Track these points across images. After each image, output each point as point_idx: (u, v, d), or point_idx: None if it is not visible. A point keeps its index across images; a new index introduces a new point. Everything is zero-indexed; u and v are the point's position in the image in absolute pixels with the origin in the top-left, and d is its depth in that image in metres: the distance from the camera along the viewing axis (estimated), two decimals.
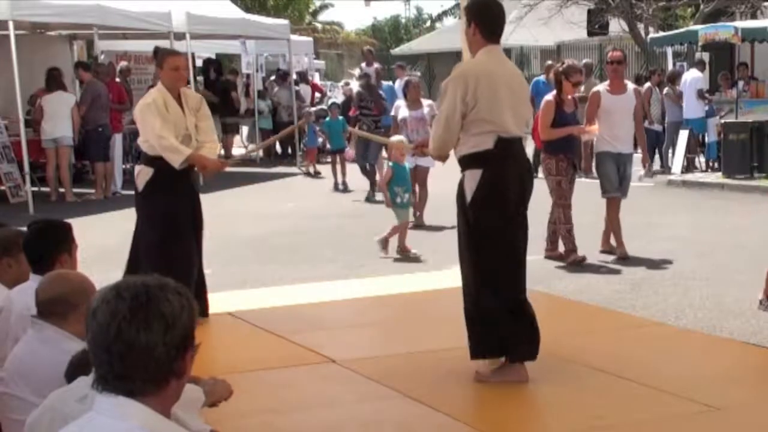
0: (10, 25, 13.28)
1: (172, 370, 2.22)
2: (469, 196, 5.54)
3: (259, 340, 6.89)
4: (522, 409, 5.56)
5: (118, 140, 15.76)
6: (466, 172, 5.60)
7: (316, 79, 25.81)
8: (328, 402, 5.55)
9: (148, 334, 2.16)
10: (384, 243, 9.86)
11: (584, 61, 19.14)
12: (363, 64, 20.36)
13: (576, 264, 9.16)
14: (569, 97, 9.42)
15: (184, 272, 6.58)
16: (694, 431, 5.10)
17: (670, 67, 20.03)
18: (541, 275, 8.49)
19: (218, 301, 7.49)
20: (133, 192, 7.26)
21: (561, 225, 9.32)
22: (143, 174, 7.05)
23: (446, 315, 7.16)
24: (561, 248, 9.47)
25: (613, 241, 9.66)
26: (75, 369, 3.11)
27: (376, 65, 18.79)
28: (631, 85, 9.95)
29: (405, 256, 9.85)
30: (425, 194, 11.90)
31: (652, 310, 7.48)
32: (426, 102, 12.18)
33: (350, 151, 16.14)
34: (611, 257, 9.40)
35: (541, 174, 9.23)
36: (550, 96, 9.39)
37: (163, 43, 17.40)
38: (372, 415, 5.36)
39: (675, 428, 5.09)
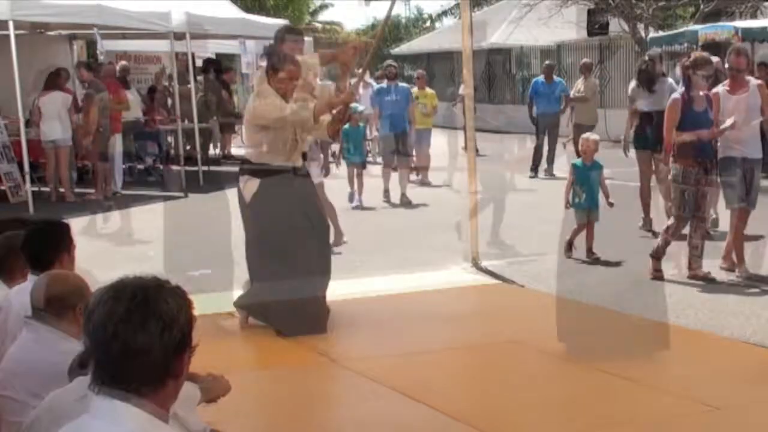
0: (10, 25, 13.26)
1: (169, 371, 2.21)
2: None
3: (259, 340, 6.89)
4: (522, 409, 5.55)
5: (117, 140, 15.74)
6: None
7: None
8: (328, 402, 5.54)
9: (144, 335, 2.15)
10: (568, 246, 9.45)
11: (584, 61, 19.17)
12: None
13: (657, 279, 8.38)
14: (701, 93, 8.36)
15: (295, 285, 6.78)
16: (694, 431, 5.10)
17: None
18: (541, 275, 8.48)
19: (219, 301, 7.48)
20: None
21: (667, 235, 8.41)
22: (249, 186, 6.90)
23: (446, 314, 7.17)
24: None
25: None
26: (77, 367, 3.09)
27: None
28: (753, 81, 8.92)
29: (593, 259, 9.29)
30: (329, 207, 9.78)
31: (652, 310, 7.48)
32: None
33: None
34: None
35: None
36: (677, 94, 8.45)
37: (163, 43, 17.47)
38: (372, 415, 5.36)
39: (675, 428, 5.09)
